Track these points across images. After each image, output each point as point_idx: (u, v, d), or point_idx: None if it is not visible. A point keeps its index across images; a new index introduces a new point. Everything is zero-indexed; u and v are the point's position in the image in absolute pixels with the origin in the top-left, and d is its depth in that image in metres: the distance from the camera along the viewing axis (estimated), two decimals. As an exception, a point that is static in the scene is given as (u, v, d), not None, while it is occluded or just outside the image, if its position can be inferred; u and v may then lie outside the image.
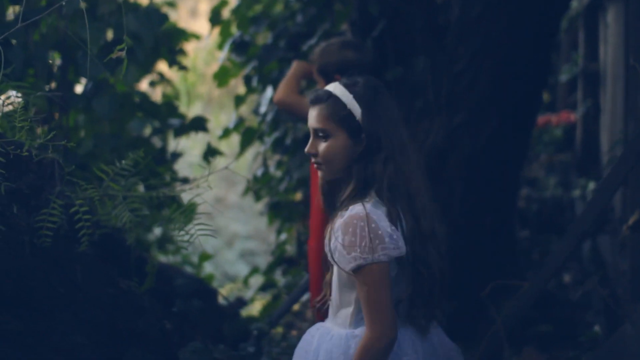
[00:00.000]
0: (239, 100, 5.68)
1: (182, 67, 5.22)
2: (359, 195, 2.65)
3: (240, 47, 5.59)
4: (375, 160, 2.67)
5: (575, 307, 5.32)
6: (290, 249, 6.24)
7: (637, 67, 4.07)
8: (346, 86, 2.75)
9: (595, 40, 7.55)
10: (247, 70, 5.60)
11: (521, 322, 4.27)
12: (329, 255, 2.63)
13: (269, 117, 5.42)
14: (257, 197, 6.10)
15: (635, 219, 3.98)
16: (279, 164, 5.85)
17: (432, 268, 2.69)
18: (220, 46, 5.77)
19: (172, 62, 5.13)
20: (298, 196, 5.79)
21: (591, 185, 7.02)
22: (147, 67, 5.11)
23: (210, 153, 5.28)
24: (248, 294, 6.65)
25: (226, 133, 5.75)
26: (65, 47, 4.52)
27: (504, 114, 4.94)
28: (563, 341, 4.84)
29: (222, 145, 5.77)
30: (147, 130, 5.33)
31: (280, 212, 6.10)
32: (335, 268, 2.68)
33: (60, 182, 3.22)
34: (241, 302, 4.69)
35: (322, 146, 2.71)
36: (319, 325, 2.79)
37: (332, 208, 2.76)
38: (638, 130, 3.99)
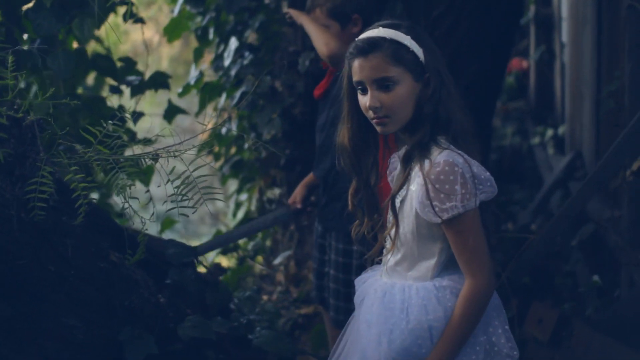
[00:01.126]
0: (197, 54, 5.34)
1: (139, 20, 4.84)
2: (433, 140, 2.52)
3: (195, -2, 5.24)
4: (442, 100, 2.52)
5: (550, 256, 5.19)
6: (253, 210, 5.96)
7: (637, 6, 3.90)
8: (396, 27, 2.56)
9: (547, -16, 7.40)
10: (204, 22, 5.26)
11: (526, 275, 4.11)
12: (418, 207, 2.48)
13: (232, 71, 5.09)
14: (216, 157, 5.79)
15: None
16: (240, 120, 5.54)
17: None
18: (173, -2, 5.41)
19: (128, 15, 4.75)
20: (262, 154, 5.49)
21: (549, 132, 6.90)
22: (100, 21, 4.73)
23: (172, 111, 4.95)
24: (209, 259, 6.35)
25: (186, 89, 5.40)
26: (10, 2, 4.12)
27: (482, 58, 4.76)
28: (541, 292, 4.72)
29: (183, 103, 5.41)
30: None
31: (240, 170, 5.81)
32: (412, 220, 2.53)
33: (45, 147, 2.88)
34: (220, 270, 4.39)
35: (387, 96, 2.52)
36: (373, 281, 2.68)
37: (360, 167, 2.68)
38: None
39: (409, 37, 2.53)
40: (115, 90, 4.82)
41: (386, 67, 2.51)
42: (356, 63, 2.55)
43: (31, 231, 2.80)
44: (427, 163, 2.47)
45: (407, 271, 2.59)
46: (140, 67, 4.82)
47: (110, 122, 3.06)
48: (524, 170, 6.85)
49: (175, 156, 3.07)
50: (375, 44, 2.52)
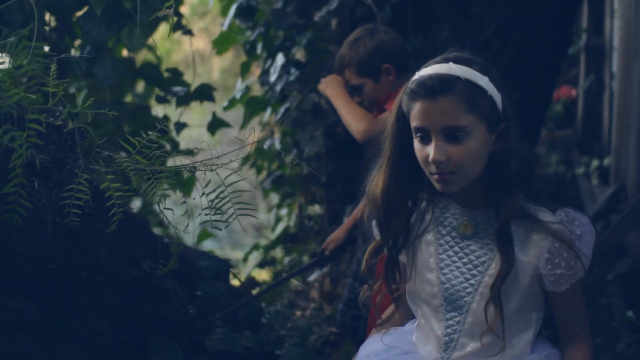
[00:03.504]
0: (245, 68, 5.39)
1: (187, 32, 4.91)
2: (524, 198, 2.23)
3: (245, 12, 5.29)
4: (518, 151, 2.20)
5: (587, 288, 5.15)
6: (292, 226, 5.99)
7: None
8: (469, 63, 2.20)
9: (600, 14, 7.35)
10: (252, 36, 5.32)
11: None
12: (548, 278, 2.22)
13: (278, 87, 5.13)
14: (259, 170, 5.84)
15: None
16: (284, 136, 5.58)
17: None
18: (224, 11, 5.47)
19: (177, 26, 4.82)
20: (304, 170, 5.53)
21: (594, 163, 6.85)
22: (150, 31, 4.79)
23: (216, 124, 5.00)
24: (245, 272, 6.40)
25: (232, 103, 5.45)
26: (62, 8, 4.20)
27: (528, 86, 4.74)
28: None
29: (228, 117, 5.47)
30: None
31: (281, 185, 5.84)
32: (520, 296, 2.25)
33: (84, 154, 2.93)
34: (254, 283, 4.42)
35: (456, 149, 2.16)
36: None
37: (388, 226, 2.35)
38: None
39: (486, 78, 2.18)
40: (162, 100, 4.89)
41: (458, 114, 2.14)
42: (419, 106, 2.18)
43: (65, 236, 2.85)
44: (552, 226, 2.18)
45: (496, 353, 2.27)
46: (189, 77, 4.88)
47: (150, 132, 3.10)
48: (567, 200, 6.79)
49: (212, 170, 3.11)
50: (447, 84, 2.15)
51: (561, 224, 2.18)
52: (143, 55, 6.15)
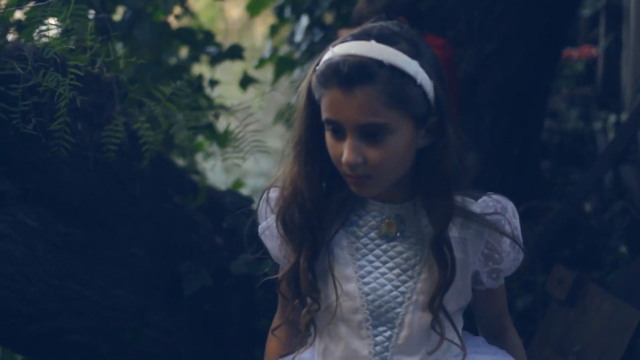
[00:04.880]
0: (274, 30, 5.81)
1: (219, -4, 5.32)
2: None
3: (275, -24, 5.70)
4: (454, 146, 1.85)
5: (597, 233, 5.49)
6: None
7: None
8: (393, 42, 1.77)
9: (619, -26, 7.61)
10: (281, 1, 5.73)
11: (551, 244, 4.46)
12: (487, 275, 1.98)
13: (303, 47, 5.55)
14: (289, 126, 6.24)
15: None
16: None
17: None
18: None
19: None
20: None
21: (612, 118, 7.15)
22: (182, -3, 5.23)
23: (246, 81, 5.42)
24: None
25: (262, 63, 5.89)
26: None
27: (533, 44, 5.08)
28: (588, 266, 5.02)
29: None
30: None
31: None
32: (455, 293, 1.95)
33: (120, 100, 3.37)
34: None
35: (374, 151, 1.78)
36: None
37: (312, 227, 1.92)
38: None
39: (415, 63, 1.76)
40: (195, 59, 5.33)
41: (378, 110, 1.74)
42: (331, 95, 1.77)
43: (105, 171, 3.30)
44: (488, 217, 1.92)
45: (421, 352, 1.96)
46: (232, 40, 5.28)
47: (179, 81, 3.54)
48: (585, 154, 7.11)
49: (231, 114, 3.55)
50: (366, 73, 1.73)
51: (497, 213, 1.93)
52: (184, 22, 6.57)
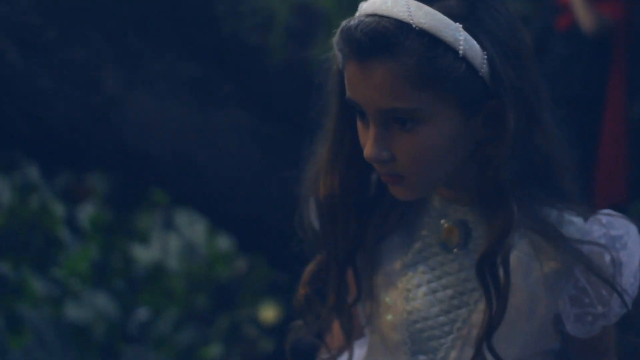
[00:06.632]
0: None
1: None
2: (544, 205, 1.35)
3: None
4: (534, 141, 1.31)
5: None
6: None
7: None
8: (429, 2, 1.24)
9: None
10: None
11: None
12: (574, 324, 1.35)
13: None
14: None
15: None
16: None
17: None
18: None
19: None
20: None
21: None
22: None
23: None
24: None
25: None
26: None
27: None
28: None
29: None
30: None
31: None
32: (523, 336, 1.38)
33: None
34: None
35: (404, 143, 1.27)
36: None
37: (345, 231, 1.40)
38: None
39: (458, 26, 1.23)
40: None
41: (402, 91, 1.23)
42: (350, 69, 1.26)
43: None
44: (584, 248, 1.32)
45: None
46: None
47: None
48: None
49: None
50: (385, 42, 1.22)
51: (598, 244, 1.34)
52: None
